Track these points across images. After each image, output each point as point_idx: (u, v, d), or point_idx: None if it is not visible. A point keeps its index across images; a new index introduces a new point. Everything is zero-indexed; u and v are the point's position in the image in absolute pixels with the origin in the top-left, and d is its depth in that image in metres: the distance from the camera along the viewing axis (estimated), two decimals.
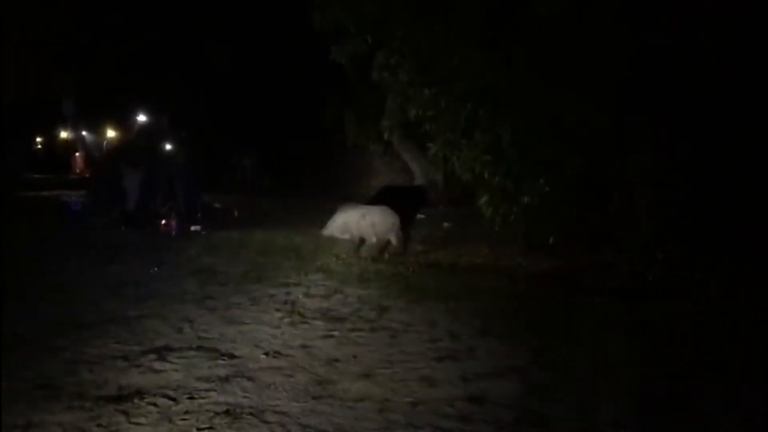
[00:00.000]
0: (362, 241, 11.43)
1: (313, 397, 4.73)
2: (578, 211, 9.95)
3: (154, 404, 4.51)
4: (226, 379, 5.03)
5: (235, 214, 16.58)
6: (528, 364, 5.57)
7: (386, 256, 11.05)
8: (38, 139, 37.44)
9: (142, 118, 29.33)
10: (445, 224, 14.09)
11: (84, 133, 33.93)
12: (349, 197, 14.69)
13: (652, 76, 8.79)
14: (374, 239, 11.22)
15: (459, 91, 9.75)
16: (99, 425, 4.20)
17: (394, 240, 11.18)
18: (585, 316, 7.35)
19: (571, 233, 10.15)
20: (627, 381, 5.17)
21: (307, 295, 8.25)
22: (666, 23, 8.57)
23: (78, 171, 32.22)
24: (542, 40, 9.08)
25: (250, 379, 5.07)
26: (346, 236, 11.58)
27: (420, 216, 15.21)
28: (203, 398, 4.64)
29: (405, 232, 11.83)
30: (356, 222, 11.35)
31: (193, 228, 14.53)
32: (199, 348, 5.84)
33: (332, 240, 11.58)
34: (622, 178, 9.90)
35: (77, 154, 34.02)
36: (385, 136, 11.35)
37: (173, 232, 13.58)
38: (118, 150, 27.09)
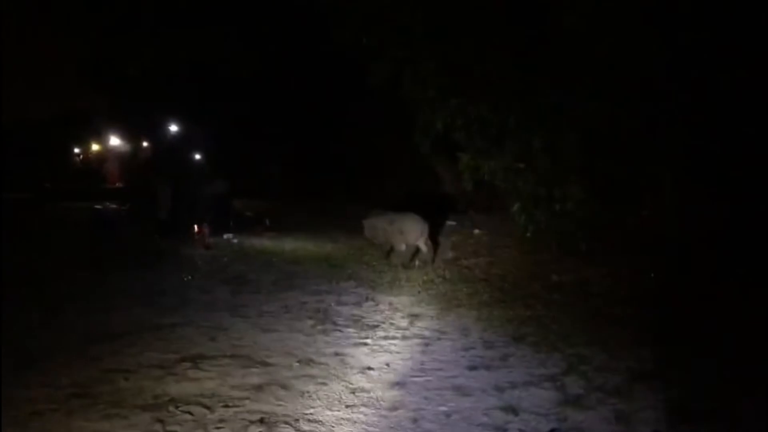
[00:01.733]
0: (391, 247, 11.42)
1: (347, 406, 4.73)
2: (611, 217, 9.81)
3: (189, 413, 4.54)
4: (260, 388, 5.05)
5: (266, 222, 16.69)
6: (562, 373, 5.50)
7: (416, 263, 11.02)
8: (76, 151, 38.16)
9: (174, 129, 29.80)
10: (476, 231, 13.98)
11: (116, 144, 34.50)
12: (378, 205, 14.70)
13: (685, 82, 8.65)
14: (403, 246, 11.19)
15: (488, 99, 9.69)
16: None
17: (423, 247, 11.13)
18: (619, 324, 7.24)
19: (604, 240, 10.01)
20: (664, 391, 5.07)
21: (338, 302, 8.27)
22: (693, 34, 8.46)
23: (111, 181, 32.76)
24: (570, 48, 9.00)
25: (283, 387, 5.08)
26: (375, 242, 11.60)
27: (450, 223, 15.13)
28: (238, 406, 4.66)
29: (434, 238, 11.79)
30: (384, 229, 11.34)
31: (225, 236, 14.68)
32: (232, 356, 5.87)
33: (365, 245, 11.61)
34: (655, 184, 9.74)
35: (110, 164, 34.61)
36: (421, 150, 11.32)
37: (206, 241, 13.71)
38: (150, 160, 27.51)
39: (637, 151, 9.27)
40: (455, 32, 9.91)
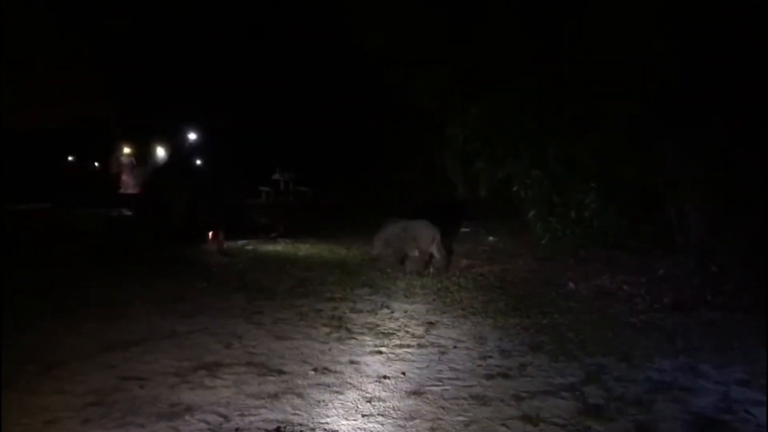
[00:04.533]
0: (405, 255, 11.38)
1: (363, 415, 4.68)
2: (629, 222, 9.71)
3: (205, 421, 4.51)
4: (275, 396, 5.01)
5: (281, 228, 16.69)
6: (581, 383, 5.42)
7: (431, 270, 10.96)
8: (92, 157, 38.50)
9: (191, 136, 29.95)
10: (490, 238, 13.92)
11: (130, 151, 34.64)
12: (392, 211, 14.67)
13: (705, 86, 8.57)
14: (416, 252, 11.15)
15: (503, 105, 9.65)
16: None
17: (436, 253, 11.07)
18: (638, 332, 7.14)
19: (622, 246, 9.91)
20: (686, 402, 4.99)
21: (353, 310, 8.22)
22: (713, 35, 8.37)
23: (126, 188, 32.88)
24: (588, 51, 8.94)
25: (299, 395, 5.04)
26: (389, 251, 11.56)
27: (464, 230, 15.08)
28: (253, 415, 4.62)
29: (447, 245, 11.73)
30: (397, 235, 11.34)
31: (239, 242, 14.69)
32: (248, 364, 5.84)
33: (379, 255, 11.57)
34: (674, 189, 9.65)
35: (125, 171, 34.70)
36: (436, 153, 11.36)
37: (221, 247, 13.71)
38: (165, 167, 27.62)
39: (657, 156, 9.19)
40: (471, 36, 9.88)
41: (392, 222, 11.75)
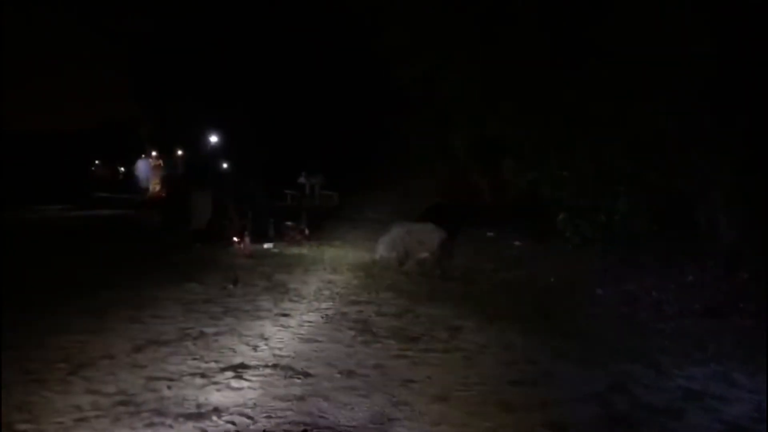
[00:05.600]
0: (424, 259, 11.41)
1: (390, 419, 4.67)
2: (658, 227, 9.59)
3: (232, 423, 4.55)
4: (302, 398, 5.03)
5: (306, 231, 16.75)
6: (608, 390, 5.36)
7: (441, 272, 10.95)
8: (121, 169, 39.14)
9: (216, 139, 30.25)
10: (516, 242, 13.83)
11: (154, 154, 34.99)
12: (416, 215, 14.68)
13: (736, 88, 8.43)
14: (426, 254, 11.19)
15: (532, 106, 9.59)
16: None
17: (438, 254, 11.14)
18: (667, 339, 7.05)
19: (651, 251, 9.78)
20: (717, 411, 4.91)
21: (378, 313, 8.23)
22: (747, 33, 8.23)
23: (152, 191, 33.22)
24: (618, 53, 8.85)
25: (325, 398, 5.06)
26: (393, 254, 11.59)
27: (489, 234, 15.00)
28: (280, 417, 4.64)
29: (451, 246, 11.77)
30: (401, 239, 11.43)
31: (265, 245, 14.77)
32: (275, 366, 5.87)
33: (382, 259, 11.57)
34: (703, 193, 9.52)
35: (151, 173, 35.04)
36: (461, 155, 11.34)
37: (246, 250, 13.80)
38: (191, 169, 27.91)
39: (686, 161, 9.07)
40: (498, 36, 9.83)
41: (398, 225, 11.82)
